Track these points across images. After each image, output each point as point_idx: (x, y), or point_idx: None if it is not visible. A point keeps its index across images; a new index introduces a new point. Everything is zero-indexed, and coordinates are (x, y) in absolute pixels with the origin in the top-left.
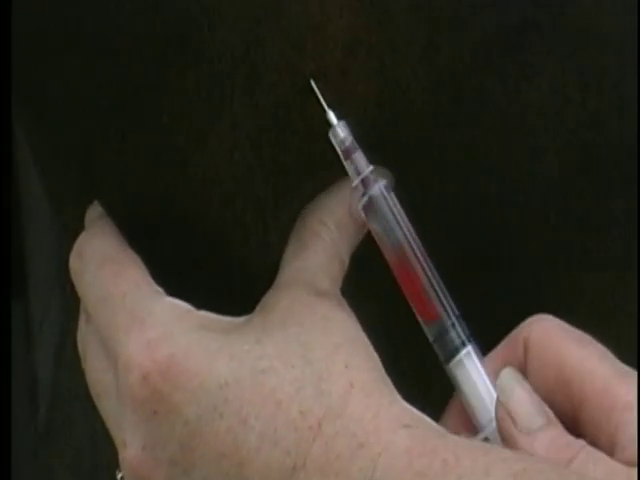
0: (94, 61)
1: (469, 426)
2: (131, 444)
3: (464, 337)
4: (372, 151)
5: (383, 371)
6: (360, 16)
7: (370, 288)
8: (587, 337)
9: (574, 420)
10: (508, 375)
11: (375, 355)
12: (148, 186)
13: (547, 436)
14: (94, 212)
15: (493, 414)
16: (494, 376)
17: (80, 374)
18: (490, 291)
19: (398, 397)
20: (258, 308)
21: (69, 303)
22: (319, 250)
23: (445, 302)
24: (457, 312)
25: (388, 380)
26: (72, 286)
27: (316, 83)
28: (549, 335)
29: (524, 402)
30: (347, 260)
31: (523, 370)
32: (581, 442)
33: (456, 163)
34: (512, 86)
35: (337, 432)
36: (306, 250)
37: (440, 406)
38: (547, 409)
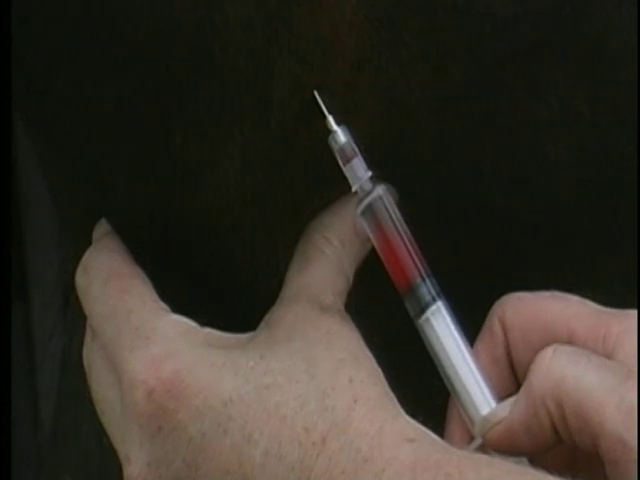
0: (107, 83)
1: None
2: (136, 460)
3: (434, 293)
4: (378, 169)
5: (387, 386)
6: (370, 35)
7: (374, 304)
8: (557, 292)
9: None
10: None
11: (378, 370)
12: (157, 204)
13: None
14: (102, 228)
15: (462, 369)
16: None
17: (86, 379)
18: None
19: (401, 411)
20: (262, 324)
21: (74, 309)
22: (323, 266)
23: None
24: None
25: (392, 395)
26: (76, 296)
27: (321, 94)
28: (522, 303)
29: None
30: (351, 276)
31: (507, 347)
32: None
33: (464, 181)
34: (522, 105)
35: (341, 447)
36: (310, 266)
37: (442, 419)
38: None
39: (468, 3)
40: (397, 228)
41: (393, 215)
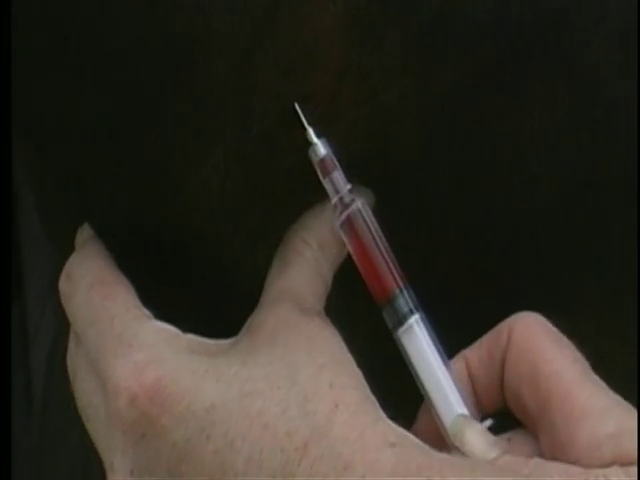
0: (89, 89)
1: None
2: (119, 468)
3: (412, 306)
4: (360, 177)
5: (368, 389)
6: (352, 44)
7: (354, 306)
8: (566, 340)
9: (537, 420)
10: (457, 422)
11: (359, 373)
12: (140, 210)
13: (502, 462)
14: (84, 233)
15: (437, 381)
16: (479, 364)
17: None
18: (471, 320)
19: (383, 415)
20: (244, 330)
21: (62, 311)
22: (302, 269)
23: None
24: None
25: (373, 398)
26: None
27: (303, 107)
28: (530, 331)
29: (475, 443)
30: (330, 278)
31: (503, 358)
32: (533, 460)
33: (445, 193)
34: (505, 117)
35: (323, 453)
36: (289, 269)
37: None
38: (501, 441)
39: (451, 12)
40: (375, 240)
41: (371, 227)
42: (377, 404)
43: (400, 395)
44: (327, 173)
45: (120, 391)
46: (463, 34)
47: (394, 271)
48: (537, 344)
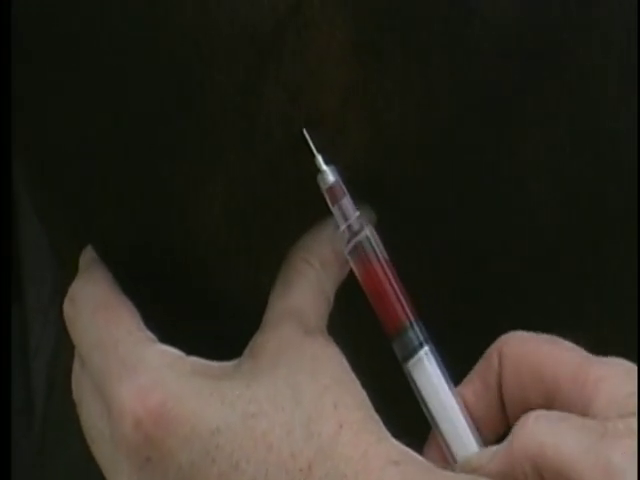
0: (94, 113)
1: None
2: None
3: (422, 338)
4: (362, 200)
5: (372, 408)
6: (356, 67)
7: (357, 324)
8: (556, 337)
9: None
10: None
11: (363, 393)
12: (143, 233)
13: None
14: (87, 256)
15: (447, 413)
16: (475, 397)
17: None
18: (475, 339)
19: (386, 434)
20: (247, 351)
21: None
22: (304, 288)
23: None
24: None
25: (377, 417)
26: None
27: (309, 131)
28: (521, 341)
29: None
30: (332, 297)
31: (499, 380)
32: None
33: (448, 216)
34: (507, 139)
35: (327, 473)
36: (291, 289)
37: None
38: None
39: (453, 37)
40: (384, 269)
41: (380, 256)
42: (381, 423)
43: (404, 414)
44: (336, 200)
45: (125, 415)
46: (465, 58)
47: (404, 303)
48: (531, 346)
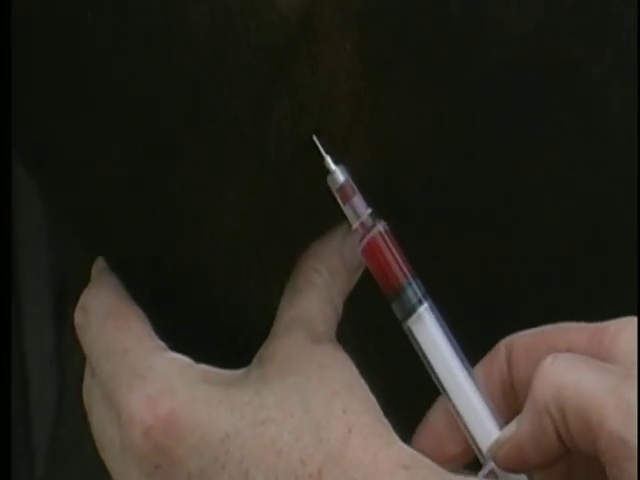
0: (107, 127)
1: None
2: None
3: (420, 295)
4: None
5: (381, 413)
6: (365, 81)
7: (366, 331)
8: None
9: None
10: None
11: (372, 398)
12: (156, 246)
13: None
14: (99, 266)
15: (451, 366)
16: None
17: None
18: (484, 345)
19: (396, 438)
20: (256, 359)
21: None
22: (313, 297)
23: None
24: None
25: (386, 422)
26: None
27: (319, 137)
28: (528, 332)
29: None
30: (340, 306)
31: (509, 369)
32: None
33: (457, 232)
34: (519, 158)
35: (337, 479)
36: (300, 297)
37: None
38: None
39: (466, 53)
40: (397, 261)
41: (393, 250)
42: (390, 427)
43: (414, 417)
44: (347, 199)
45: (134, 423)
46: (477, 73)
47: (402, 264)
48: (540, 330)
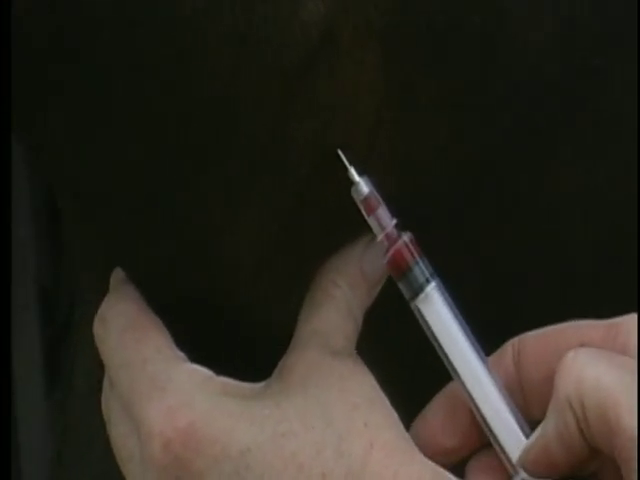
0: (126, 142)
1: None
2: None
3: (428, 274)
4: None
5: (402, 428)
6: (387, 97)
7: (386, 345)
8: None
9: None
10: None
11: (393, 412)
12: (174, 260)
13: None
14: (118, 276)
15: (459, 345)
16: None
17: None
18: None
19: (418, 454)
20: (276, 372)
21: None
22: (332, 310)
23: None
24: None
25: (408, 437)
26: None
27: (343, 153)
28: (538, 332)
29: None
30: (360, 319)
31: (511, 374)
32: None
33: (474, 246)
34: (538, 176)
35: None
36: (320, 311)
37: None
38: None
39: (486, 69)
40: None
41: (423, 266)
42: (412, 443)
43: None
44: (372, 210)
45: (153, 435)
46: (498, 90)
47: (411, 247)
48: (551, 329)
